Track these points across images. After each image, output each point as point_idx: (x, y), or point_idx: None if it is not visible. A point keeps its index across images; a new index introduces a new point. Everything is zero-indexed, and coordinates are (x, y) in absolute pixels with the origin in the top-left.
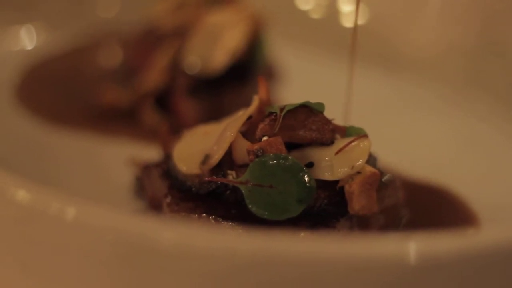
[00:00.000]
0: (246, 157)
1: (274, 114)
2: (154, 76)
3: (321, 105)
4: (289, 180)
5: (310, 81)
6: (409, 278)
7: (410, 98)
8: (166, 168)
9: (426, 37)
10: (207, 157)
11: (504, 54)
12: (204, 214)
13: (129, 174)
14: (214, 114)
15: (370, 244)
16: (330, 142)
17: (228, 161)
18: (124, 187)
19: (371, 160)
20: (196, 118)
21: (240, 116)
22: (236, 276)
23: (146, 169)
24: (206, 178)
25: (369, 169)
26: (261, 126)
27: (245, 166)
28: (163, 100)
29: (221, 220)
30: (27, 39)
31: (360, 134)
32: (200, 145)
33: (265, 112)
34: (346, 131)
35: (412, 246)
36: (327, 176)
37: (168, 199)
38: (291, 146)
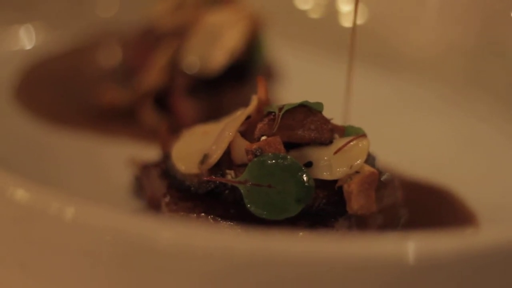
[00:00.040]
0: (245, 157)
1: (273, 113)
2: (153, 76)
3: (320, 105)
4: (288, 179)
5: (309, 81)
6: (407, 278)
7: (410, 98)
8: (165, 168)
9: (426, 37)
10: (205, 157)
11: (504, 54)
12: (203, 214)
13: (128, 174)
14: (213, 114)
15: (368, 243)
16: (329, 142)
17: (226, 160)
18: (123, 187)
19: (370, 159)
20: (195, 118)
21: (239, 116)
22: (234, 276)
23: (145, 168)
24: (205, 178)
25: (367, 168)
26: (259, 125)
27: (243, 165)
28: (162, 100)
29: (219, 219)
30: (27, 39)
31: (359, 134)
32: (199, 145)
33: (263, 112)
34: (345, 131)
35: (411, 246)
36: (326, 175)
37: (167, 199)
38: (289, 145)
